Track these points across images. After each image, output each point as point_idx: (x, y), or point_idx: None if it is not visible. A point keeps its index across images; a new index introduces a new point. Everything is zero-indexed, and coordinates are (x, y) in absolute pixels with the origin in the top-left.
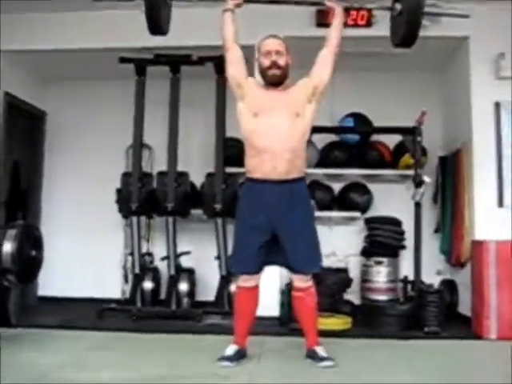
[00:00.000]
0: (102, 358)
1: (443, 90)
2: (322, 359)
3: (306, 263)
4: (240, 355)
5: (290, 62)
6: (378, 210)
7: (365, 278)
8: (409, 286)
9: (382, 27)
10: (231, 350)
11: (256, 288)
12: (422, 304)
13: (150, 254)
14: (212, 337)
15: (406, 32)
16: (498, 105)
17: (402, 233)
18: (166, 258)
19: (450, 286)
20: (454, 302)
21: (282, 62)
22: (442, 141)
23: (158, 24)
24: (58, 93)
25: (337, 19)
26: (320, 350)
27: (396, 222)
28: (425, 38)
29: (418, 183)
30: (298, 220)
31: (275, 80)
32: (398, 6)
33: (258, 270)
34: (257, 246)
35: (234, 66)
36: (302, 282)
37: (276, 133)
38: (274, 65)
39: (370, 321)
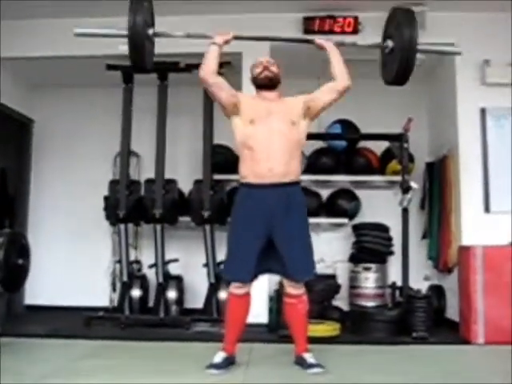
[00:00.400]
0: (91, 367)
1: (430, 97)
2: (311, 366)
3: (300, 271)
4: (228, 362)
5: (280, 77)
6: (366, 216)
7: (353, 285)
8: (397, 292)
9: (369, 33)
10: (219, 357)
11: (247, 295)
12: (410, 310)
13: (137, 262)
14: (201, 344)
15: (399, 70)
16: (483, 111)
17: (389, 239)
18: (154, 265)
19: (437, 291)
20: (442, 308)
21: (273, 68)
22: (428, 147)
23: (142, 62)
24: (45, 100)
25: (333, 57)
26: (309, 357)
27: (384, 228)
28: None
29: (406, 189)
30: (294, 225)
31: (267, 81)
32: (390, 44)
33: (252, 278)
34: (252, 254)
35: (224, 90)
36: (295, 289)
37: (273, 134)
38: (266, 68)
39: (358, 327)
